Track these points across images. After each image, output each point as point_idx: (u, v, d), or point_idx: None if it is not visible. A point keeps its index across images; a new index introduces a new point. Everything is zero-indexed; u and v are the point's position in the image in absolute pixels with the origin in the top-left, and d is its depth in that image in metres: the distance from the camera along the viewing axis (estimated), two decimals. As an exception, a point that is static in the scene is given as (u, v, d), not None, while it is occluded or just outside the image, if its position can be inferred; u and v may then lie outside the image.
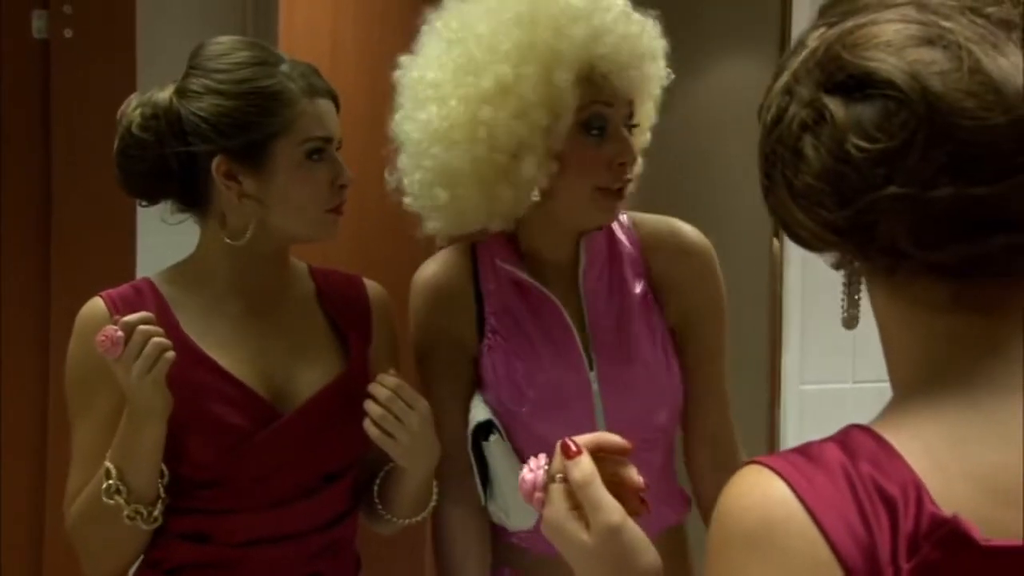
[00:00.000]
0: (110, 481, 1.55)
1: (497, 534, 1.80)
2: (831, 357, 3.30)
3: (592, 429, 1.69)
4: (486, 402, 1.74)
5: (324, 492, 1.69)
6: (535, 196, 1.68)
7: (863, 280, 0.90)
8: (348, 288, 1.78)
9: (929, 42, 0.81)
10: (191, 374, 1.58)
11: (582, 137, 1.65)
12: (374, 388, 1.61)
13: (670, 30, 1.74)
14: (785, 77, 0.87)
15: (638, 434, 1.73)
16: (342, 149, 1.73)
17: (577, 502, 1.00)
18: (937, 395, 0.84)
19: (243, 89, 1.61)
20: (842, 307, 0.90)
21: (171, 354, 1.51)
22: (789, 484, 0.80)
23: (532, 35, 1.63)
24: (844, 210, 0.82)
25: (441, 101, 1.68)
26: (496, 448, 1.70)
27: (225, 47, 1.65)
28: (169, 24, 2.93)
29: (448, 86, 1.68)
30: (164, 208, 1.69)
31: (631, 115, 1.69)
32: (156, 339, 1.50)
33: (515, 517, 1.72)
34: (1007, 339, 0.84)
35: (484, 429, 1.71)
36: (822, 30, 0.87)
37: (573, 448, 1.02)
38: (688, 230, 1.81)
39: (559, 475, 1.02)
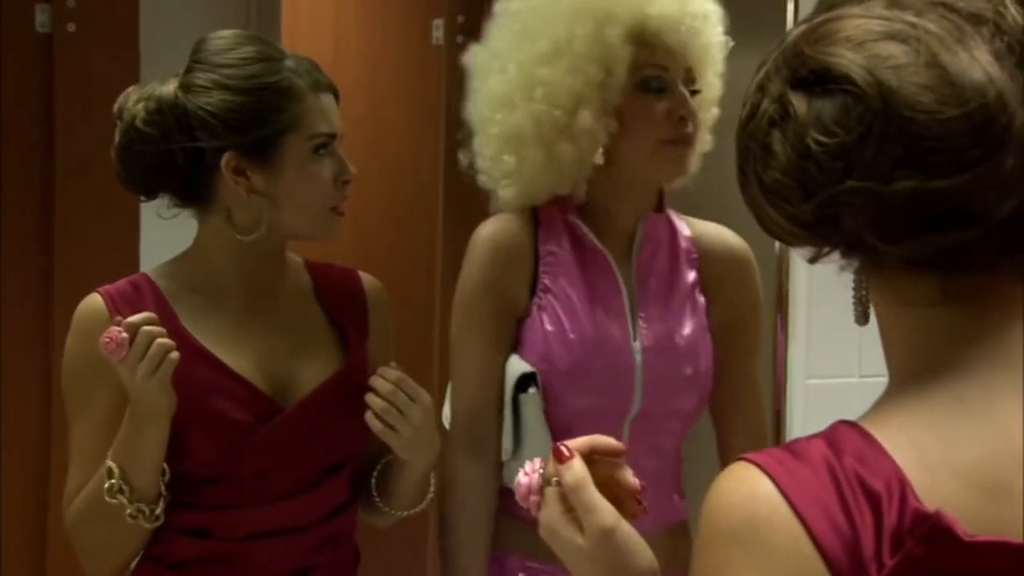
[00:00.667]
0: (112, 480, 1.55)
1: (506, 514, 1.81)
2: (837, 352, 3.29)
3: (627, 400, 1.77)
4: (525, 360, 1.77)
5: (325, 485, 1.69)
6: (599, 158, 1.77)
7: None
8: (344, 282, 1.79)
9: (890, 37, 0.81)
10: (192, 370, 1.57)
11: (640, 94, 1.75)
12: (375, 381, 1.61)
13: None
14: (761, 73, 0.88)
15: (664, 417, 1.81)
16: (346, 143, 1.74)
17: (571, 505, 1.01)
18: (925, 388, 0.84)
19: (252, 84, 1.61)
20: (853, 304, 0.90)
21: (176, 355, 1.51)
22: (774, 480, 0.80)
23: None
24: (807, 204, 0.82)
25: (501, 69, 1.79)
26: (532, 401, 1.74)
27: (229, 41, 1.65)
28: (172, 18, 2.93)
29: (506, 54, 1.79)
30: (165, 203, 1.68)
31: (692, 81, 1.77)
32: (161, 340, 1.50)
33: None
34: (995, 330, 0.84)
35: (523, 382, 1.75)
36: (804, 26, 0.87)
37: (565, 452, 1.02)
38: (734, 236, 1.91)
39: (554, 479, 1.03)
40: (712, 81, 1.83)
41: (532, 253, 1.81)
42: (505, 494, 1.80)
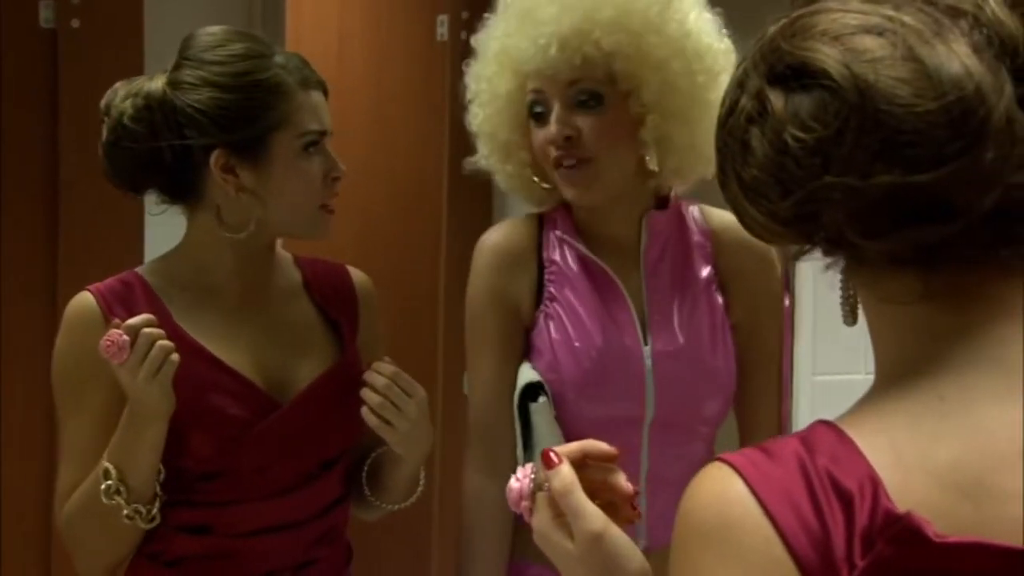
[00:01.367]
0: (109, 481, 1.54)
1: (525, 523, 1.80)
2: (844, 348, 3.29)
3: (641, 406, 1.74)
4: (535, 369, 1.76)
5: (322, 479, 1.69)
6: (543, 184, 1.78)
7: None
8: (334, 277, 1.78)
9: (867, 31, 0.81)
10: (189, 367, 1.55)
11: (532, 123, 1.76)
12: (370, 376, 1.61)
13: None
14: (740, 69, 0.87)
15: (685, 422, 1.77)
16: (351, 140, 1.72)
17: (561, 510, 1.01)
18: (906, 387, 0.83)
19: (242, 82, 1.59)
20: (841, 304, 0.89)
21: (176, 356, 1.50)
22: (747, 482, 0.80)
23: (487, 40, 1.79)
24: (786, 200, 0.82)
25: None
26: (543, 410, 1.72)
27: (218, 38, 1.63)
28: (176, 14, 2.93)
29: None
30: (154, 199, 1.67)
31: (584, 93, 1.70)
32: (161, 342, 1.49)
33: None
34: (978, 328, 0.83)
35: (532, 391, 1.73)
36: (782, 21, 0.87)
37: (554, 458, 1.02)
38: None
39: (546, 484, 1.03)
40: (655, 72, 1.70)
41: (536, 261, 1.79)
42: None
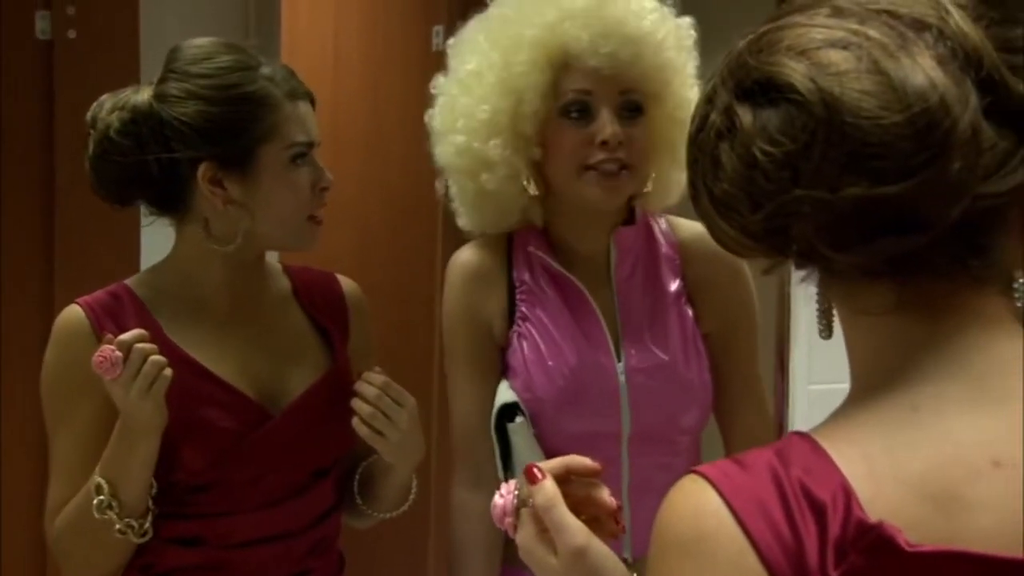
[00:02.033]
0: (101, 496, 1.53)
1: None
2: (839, 357, 3.29)
3: (617, 422, 1.75)
4: (513, 388, 1.76)
5: (313, 489, 1.69)
6: (532, 188, 1.75)
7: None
8: (323, 284, 1.78)
9: (832, 45, 0.81)
10: (179, 380, 1.53)
11: (562, 121, 1.72)
12: (361, 387, 1.61)
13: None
14: (709, 84, 0.88)
15: (663, 434, 1.78)
16: (346, 150, 1.73)
17: (545, 526, 1.01)
18: (879, 398, 0.83)
19: (229, 95, 1.59)
20: (817, 317, 0.90)
21: (169, 371, 1.49)
22: (721, 494, 0.80)
23: (502, 27, 1.73)
24: (757, 214, 0.82)
25: (436, 102, 1.81)
26: (521, 430, 1.72)
27: (205, 50, 1.62)
28: (172, 25, 2.93)
29: (442, 86, 1.81)
30: (145, 211, 1.67)
31: (634, 104, 1.72)
32: (154, 357, 1.48)
33: None
34: (948, 338, 0.83)
35: (510, 411, 1.73)
36: (749, 36, 0.87)
37: (537, 474, 1.03)
38: None
39: (530, 499, 1.04)
40: (673, 100, 1.76)
41: (506, 280, 1.79)
42: None
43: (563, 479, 1.04)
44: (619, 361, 1.76)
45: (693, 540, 0.80)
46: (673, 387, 1.77)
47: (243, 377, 1.64)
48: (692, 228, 1.83)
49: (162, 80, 1.61)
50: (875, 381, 0.85)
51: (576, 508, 1.02)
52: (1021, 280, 0.83)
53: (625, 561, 1.06)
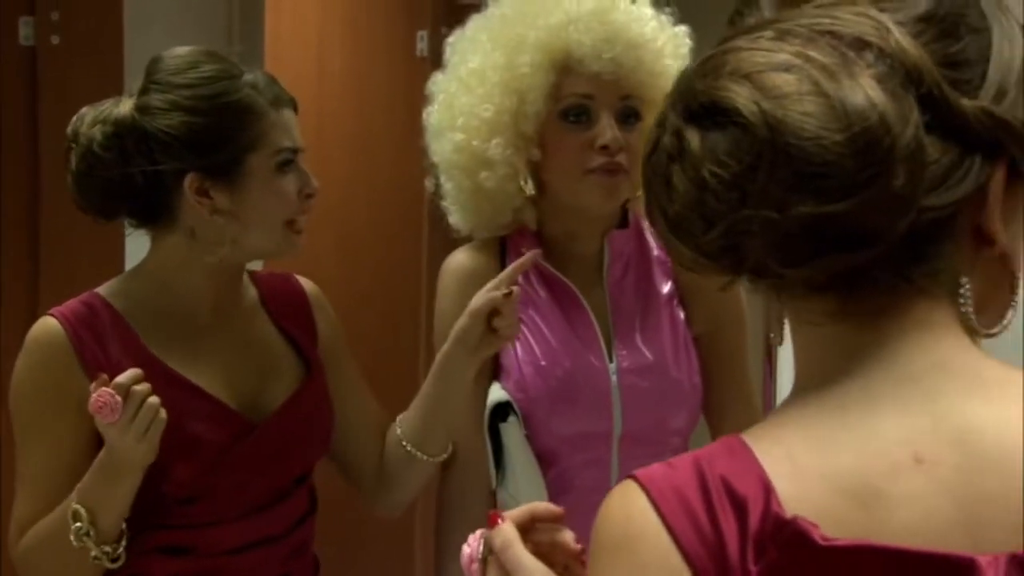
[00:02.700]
0: (79, 524, 1.51)
1: None
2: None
3: (608, 422, 1.76)
4: (505, 388, 1.77)
5: (294, 494, 1.70)
6: (529, 188, 1.76)
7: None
8: (286, 288, 1.78)
9: (775, 68, 0.83)
10: (162, 393, 1.51)
11: (561, 124, 1.73)
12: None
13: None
14: (662, 107, 0.90)
15: (654, 435, 1.79)
16: (331, 155, 1.73)
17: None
18: (809, 400, 0.85)
19: (213, 105, 1.58)
20: (772, 325, 0.92)
21: (164, 415, 1.48)
22: (649, 495, 0.82)
23: (505, 27, 1.74)
24: (709, 235, 0.84)
25: (436, 99, 1.81)
26: (513, 430, 1.74)
27: (186, 60, 1.61)
28: (156, 30, 2.94)
29: (440, 83, 1.81)
30: (127, 223, 1.66)
31: (633, 109, 1.74)
32: (151, 400, 1.47)
33: (525, 502, 1.74)
34: (886, 341, 0.85)
35: (502, 411, 1.75)
36: (699, 60, 0.89)
37: (499, 520, 1.04)
38: None
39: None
40: (651, 118, 1.79)
41: None
42: None
43: (527, 527, 1.05)
44: (611, 362, 1.78)
45: (622, 541, 0.83)
46: (663, 389, 1.79)
47: (224, 387, 1.64)
48: None
49: (144, 91, 1.60)
50: (811, 384, 0.87)
51: (545, 556, 1.03)
52: (967, 286, 0.85)
53: None
